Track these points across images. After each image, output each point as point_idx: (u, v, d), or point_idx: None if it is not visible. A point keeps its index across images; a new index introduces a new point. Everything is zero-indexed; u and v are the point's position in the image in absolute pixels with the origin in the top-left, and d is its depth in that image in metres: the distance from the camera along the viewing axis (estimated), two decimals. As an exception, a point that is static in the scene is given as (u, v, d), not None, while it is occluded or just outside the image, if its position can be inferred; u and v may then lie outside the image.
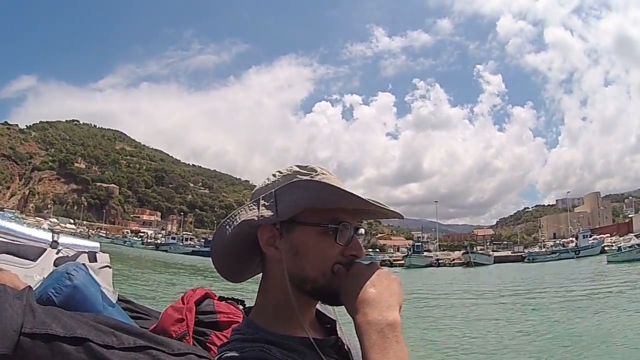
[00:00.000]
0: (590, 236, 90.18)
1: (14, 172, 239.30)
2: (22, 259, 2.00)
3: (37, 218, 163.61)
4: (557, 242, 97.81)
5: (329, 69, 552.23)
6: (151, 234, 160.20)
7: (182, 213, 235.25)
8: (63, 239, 2.20)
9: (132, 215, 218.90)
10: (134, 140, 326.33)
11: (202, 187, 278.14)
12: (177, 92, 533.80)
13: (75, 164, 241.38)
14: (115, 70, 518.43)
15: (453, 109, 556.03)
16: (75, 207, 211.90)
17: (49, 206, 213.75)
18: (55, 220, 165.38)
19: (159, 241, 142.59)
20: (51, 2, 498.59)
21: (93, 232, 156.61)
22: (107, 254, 2.18)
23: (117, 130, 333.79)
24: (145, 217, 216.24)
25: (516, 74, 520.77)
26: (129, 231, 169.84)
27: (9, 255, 1.99)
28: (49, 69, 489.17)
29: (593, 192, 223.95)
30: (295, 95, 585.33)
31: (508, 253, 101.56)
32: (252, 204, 1.29)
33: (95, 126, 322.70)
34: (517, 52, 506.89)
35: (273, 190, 1.26)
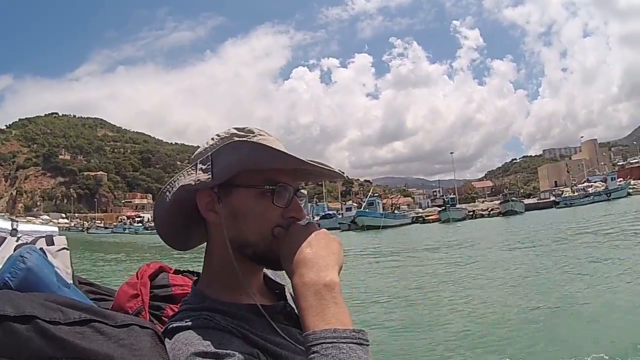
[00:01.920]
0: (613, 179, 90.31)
1: None
2: None
3: (27, 218, 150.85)
4: (579, 187, 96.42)
5: (306, 35, 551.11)
6: (149, 217, 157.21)
7: None
8: (22, 227, 2.08)
9: (123, 201, 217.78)
10: (115, 125, 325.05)
11: (189, 165, 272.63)
12: (154, 72, 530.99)
13: (60, 156, 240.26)
14: (90, 58, 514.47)
15: (432, 66, 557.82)
16: (65, 200, 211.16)
17: (38, 203, 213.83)
18: (47, 217, 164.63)
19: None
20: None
21: (87, 223, 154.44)
22: (64, 237, 2.07)
23: (97, 118, 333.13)
24: (137, 201, 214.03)
25: (494, 28, 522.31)
26: (125, 217, 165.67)
27: None
28: (24, 65, 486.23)
29: (590, 140, 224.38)
30: (273, 64, 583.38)
31: (534, 200, 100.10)
32: (190, 169, 1.27)
33: (74, 116, 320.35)
34: (495, 6, 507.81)
35: (209, 153, 1.24)
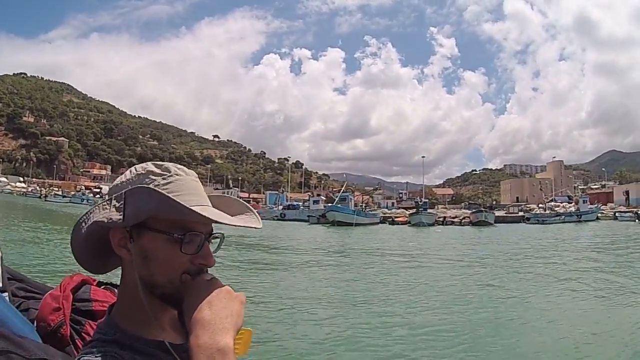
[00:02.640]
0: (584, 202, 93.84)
1: None
2: None
3: None
4: (548, 205, 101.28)
5: (283, 23, 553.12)
6: (107, 189, 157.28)
7: (132, 166, 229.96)
8: None
9: (82, 170, 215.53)
10: (82, 92, 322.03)
11: (150, 139, 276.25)
12: (128, 42, 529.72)
13: (24, 118, 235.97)
14: (65, 21, 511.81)
15: (404, 69, 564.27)
16: (25, 164, 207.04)
17: None
18: (5, 180, 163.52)
19: None
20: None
21: (45, 190, 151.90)
22: None
23: (65, 83, 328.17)
24: (95, 171, 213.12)
25: (471, 40, 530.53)
26: (83, 187, 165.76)
27: None
28: (3, 23, 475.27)
29: (557, 160, 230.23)
30: (246, 48, 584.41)
31: (502, 213, 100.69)
32: (105, 203, 1.26)
33: (42, 79, 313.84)
34: (475, 19, 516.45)
35: (124, 191, 1.24)
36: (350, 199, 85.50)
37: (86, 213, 1.29)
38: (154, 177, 1.26)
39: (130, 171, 1.32)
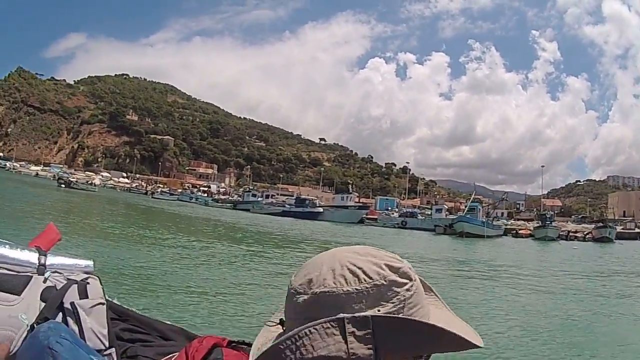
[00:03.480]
0: None
1: (62, 127, 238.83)
2: (3, 293, 1.73)
3: (87, 172, 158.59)
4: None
5: (387, 27, 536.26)
6: (216, 188, 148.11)
7: (239, 166, 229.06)
8: (51, 259, 1.92)
9: (187, 168, 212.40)
10: (185, 93, 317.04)
11: (257, 140, 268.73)
12: (231, 46, 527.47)
13: (127, 117, 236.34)
14: (167, 25, 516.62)
15: (508, 74, 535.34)
16: (128, 160, 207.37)
17: (100, 159, 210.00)
18: (108, 175, 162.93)
19: (234, 197, 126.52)
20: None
21: (151, 187, 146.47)
22: (97, 279, 1.96)
23: (168, 84, 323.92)
24: (201, 170, 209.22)
25: (573, 43, 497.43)
26: (190, 185, 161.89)
27: None
28: (99, 26, 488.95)
29: None
30: (351, 52, 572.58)
31: (619, 229, 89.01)
32: (330, 325, 0.94)
33: (145, 79, 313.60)
34: (575, 22, 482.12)
35: (368, 315, 0.93)
36: (479, 209, 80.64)
37: (292, 336, 0.93)
38: (397, 290, 0.98)
39: (356, 274, 0.98)
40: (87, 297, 1.80)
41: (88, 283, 1.87)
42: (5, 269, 1.76)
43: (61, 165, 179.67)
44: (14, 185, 58.46)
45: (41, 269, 1.81)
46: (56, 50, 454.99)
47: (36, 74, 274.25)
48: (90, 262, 2.08)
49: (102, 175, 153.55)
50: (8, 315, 1.64)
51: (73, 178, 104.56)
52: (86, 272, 2.03)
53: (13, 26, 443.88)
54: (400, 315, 0.97)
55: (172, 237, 26.23)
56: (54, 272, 1.87)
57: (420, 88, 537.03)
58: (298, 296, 0.98)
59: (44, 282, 1.78)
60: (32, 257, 1.83)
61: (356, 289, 0.96)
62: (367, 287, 0.97)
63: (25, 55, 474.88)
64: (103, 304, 1.79)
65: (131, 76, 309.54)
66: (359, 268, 0.97)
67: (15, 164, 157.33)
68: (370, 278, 0.94)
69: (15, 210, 28.38)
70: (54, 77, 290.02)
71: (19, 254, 1.85)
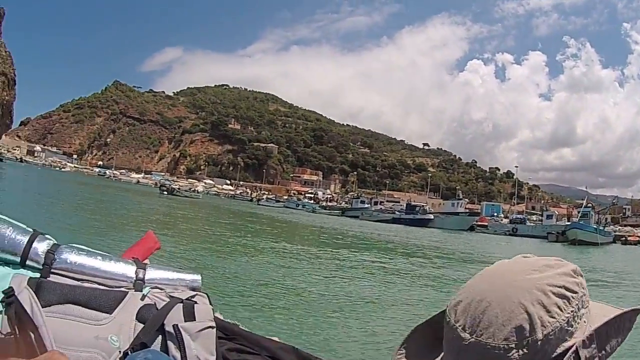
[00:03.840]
0: None
1: (163, 136, 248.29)
2: (93, 311, 1.52)
3: (189, 180, 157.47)
4: None
5: (483, 28, 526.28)
6: (322, 195, 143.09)
7: (343, 173, 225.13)
8: (151, 273, 1.71)
9: (292, 175, 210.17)
10: (287, 101, 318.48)
11: (361, 147, 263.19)
12: (330, 53, 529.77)
13: (229, 125, 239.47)
14: (263, 36, 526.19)
15: (604, 71, 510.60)
16: (231, 168, 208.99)
17: (202, 167, 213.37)
18: (211, 182, 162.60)
19: (342, 204, 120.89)
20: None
21: (256, 193, 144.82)
22: (206, 297, 1.73)
23: (269, 93, 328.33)
24: (306, 177, 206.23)
25: None
26: (295, 192, 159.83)
27: (75, 307, 1.51)
28: (195, 39, 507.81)
29: None
30: (449, 55, 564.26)
31: None
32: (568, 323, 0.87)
33: (245, 89, 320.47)
34: None
35: (592, 331, 0.87)
36: (592, 214, 76.63)
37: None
38: (584, 290, 0.93)
39: (568, 298, 0.88)
40: (193, 319, 1.57)
41: (195, 302, 1.65)
42: (97, 283, 1.60)
43: (163, 173, 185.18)
44: (114, 192, 58.24)
45: (139, 284, 1.63)
46: (152, 65, 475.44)
47: (134, 86, 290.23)
48: (198, 277, 1.83)
49: (205, 183, 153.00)
50: (95, 336, 1.45)
51: (176, 185, 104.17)
52: (192, 289, 1.80)
53: (109, 43, 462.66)
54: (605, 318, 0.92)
55: (282, 246, 25.03)
56: (153, 288, 1.67)
57: (519, 89, 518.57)
58: (491, 341, 0.83)
59: (142, 299, 1.58)
60: (128, 270, 1.66)
61: (571, 310, 0.88)
62: (576, 304, 0.90)
63: (122, 70, 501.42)
64: (212, 327, 1.56)
65: (231, 86, 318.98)
66: (561, 287, 0.89)
67: (115, 172, 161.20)
68: (575, 292, 0.90)
69: (115, 217, 28.16)
70: (152, 89, 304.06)
71: (112, 267, 1.66)
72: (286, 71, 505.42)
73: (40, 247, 1.62)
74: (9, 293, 1.41)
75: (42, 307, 1.41)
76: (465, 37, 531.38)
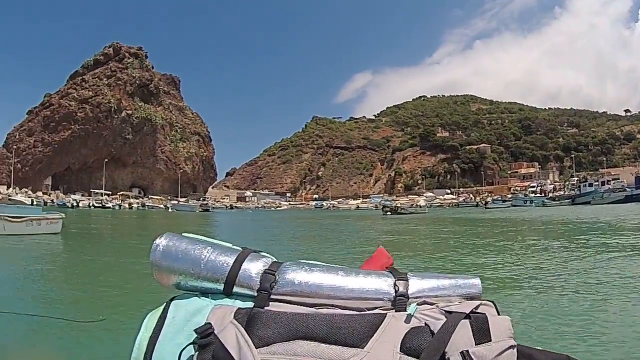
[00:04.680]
0: None
1: (374, 159, 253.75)
2: (336, 347, 1.12)
3: (409, 196, 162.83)
4: None
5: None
6: (548, 186, 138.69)
7: (557, 159, 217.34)
8: (416, 284, 1.31)
9: (509, 172, 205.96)
10: (486, 99, 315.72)
11: (569, 127, 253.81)
12: (512, 39, 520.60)
13: (438, 135, 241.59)
14: (443, 40, 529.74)
15: None
16: (449, 176, 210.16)
17: (419, 181, 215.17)
18: (431, 194, 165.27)
19: (567, 192, 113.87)
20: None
21: (479, 198, 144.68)
22: (494, 307, 1.25)
23: (467, 94, 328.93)
24: (523, 171, 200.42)
25: None
26: (519, 188, 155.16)
27: (309, 343, 1.13)
28: (380, 60, 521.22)
29: None
30: (620, 7, 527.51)
31: None
32: None
33: (443, 96, 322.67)
34: None
35: None
36: None
37: None
38: None
39: None
40: (488, 338, 1.13)
41: (484, 315, 1.19)
42: (338, 306, 1.25)
43: (381, 195, 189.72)
44: (335, 220, 57.89)
45: (400, 300, 1.25)
46: (346, 94, 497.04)
47: (333, 118, 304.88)
48: (477, 281, 1.38)
49: (425, 196, 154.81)
50: None
51: (397, 203, 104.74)
52: (470, 298, 1.34)
53: (300, 89, 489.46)
54: None
55: (541, 244, 21.07)
56: (420, 304, 1.27)
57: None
58: None
59: (407, 321, 1.18)
60: (382, 283, 1.29)
61: None
62: None
63: (318, 107, 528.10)
64: (513, 347, 1.11)
65: (429, 96, 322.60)
66: None
67: (332, 202, 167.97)
68: None
69: (340, 240, 27.42)
70: (352, 117, 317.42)
71: (360, 282, 1.29)
72: (476, 68, 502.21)
73: (254, 267, 1.32)
74: (206, 331, 1.12)
75: (257, 347, 1.09)
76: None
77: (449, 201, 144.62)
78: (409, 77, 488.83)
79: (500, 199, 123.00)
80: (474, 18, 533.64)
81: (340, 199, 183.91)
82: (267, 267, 1.31)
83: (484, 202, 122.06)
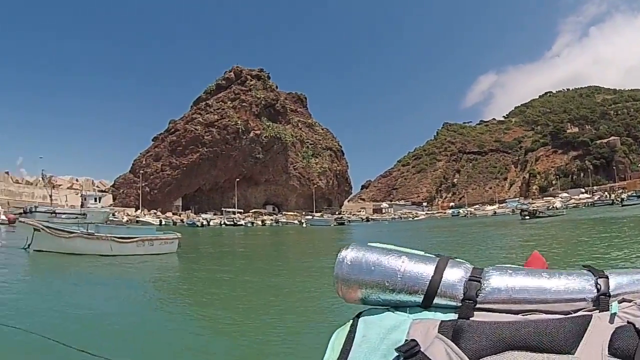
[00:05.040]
0: None
1: (507, 162, 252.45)
2: (547, 355, 1.00)
3: (544, 198, 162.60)
4: None
5: None
6: None
7: None
8: (616, 280, 1.15)
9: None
10: (609, 88, 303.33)
11: None
12: (625, 21, 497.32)
13: (567, 131, 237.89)
14: (559, 30, 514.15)
15: None
16: (582, 174, 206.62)
17: (553, 182, 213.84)
18: (566, 195, 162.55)
19: None
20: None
21: (613, 195, 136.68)
22: None
23: (591, 85, 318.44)
24: None
25: None
26: None
27: (520, 353, 1.01)
28: (501, 59, 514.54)
29: None
30: None
31: None
32: None
33: (568, 89, 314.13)
34: None
35: None
36: None
37: None
38: None
39: None
40: None
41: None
42: (541, 311, 1.12)
43: (517, 199, 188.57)
44: (473, 229, 57.46)
45: (603, 300, 1.09)
46: (473, 98, 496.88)
47: (464, 122, 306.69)
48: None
49: (561, 197, 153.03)
50: None
51: (533, 206, 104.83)
52: None
53: (425, 92, 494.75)
54: None
55: None
56: (622, 302, 1.08)
57: None
58: None
59: (611, 321, 1.02)
60: (582, 283, 1.14)
61: None
62: None
63: (447, 114, 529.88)
64: None
65: (554, 91, 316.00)
66: None
67: (468, 209, 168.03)
68: None
69: (488, 250, 27.91)
70: (482, 120, 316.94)
71: (560, 283, 1.14)
72: (596, 56, 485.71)
73: (456, 275, 1.21)
74: (412, 349, 1.02)
75: None
76: None
77: (584, 201, 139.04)
78: (533, 74, 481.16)
79: (635, 194, 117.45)
80: (584, 3, 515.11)
81: (477, 205, 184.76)
82: (469, 275, 1.20)
83: (619, 199, 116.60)
